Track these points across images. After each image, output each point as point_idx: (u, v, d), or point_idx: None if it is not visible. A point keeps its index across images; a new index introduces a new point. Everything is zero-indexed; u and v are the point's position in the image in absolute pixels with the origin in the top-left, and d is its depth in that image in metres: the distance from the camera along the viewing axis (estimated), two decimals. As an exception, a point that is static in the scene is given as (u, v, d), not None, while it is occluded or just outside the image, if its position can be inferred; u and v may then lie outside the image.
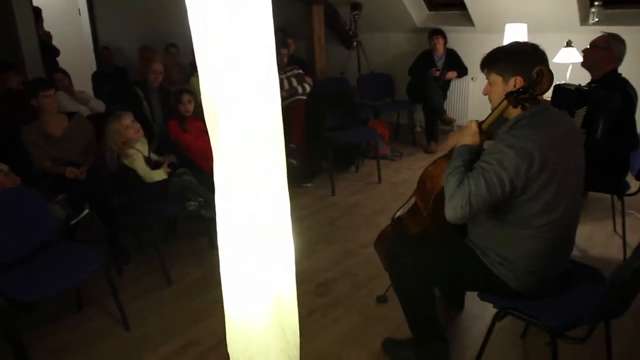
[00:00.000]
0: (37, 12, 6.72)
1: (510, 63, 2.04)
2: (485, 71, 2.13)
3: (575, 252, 2.24)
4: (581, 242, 3.62)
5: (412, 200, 2.49)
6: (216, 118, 1.33)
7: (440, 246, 2.29)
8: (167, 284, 3.46)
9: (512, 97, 1.95)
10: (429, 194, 2.25)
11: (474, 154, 2.05)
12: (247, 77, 1.31)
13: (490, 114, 2.10)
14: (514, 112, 2.03)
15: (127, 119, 3.62)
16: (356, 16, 6.69)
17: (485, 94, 2.16)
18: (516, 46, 2.10)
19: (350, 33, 6.91)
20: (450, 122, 6.26)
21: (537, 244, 2.02)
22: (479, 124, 2.13)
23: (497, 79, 2.08)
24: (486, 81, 2.15)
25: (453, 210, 1.93)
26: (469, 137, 2.13)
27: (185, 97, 4.04)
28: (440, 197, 2.15)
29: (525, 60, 2.00)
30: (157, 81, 4.80)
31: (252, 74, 1.30)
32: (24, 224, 2.97)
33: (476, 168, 1.95)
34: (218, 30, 1.23)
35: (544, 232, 1.99)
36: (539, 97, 1.98)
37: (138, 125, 3.68)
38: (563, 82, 3.93)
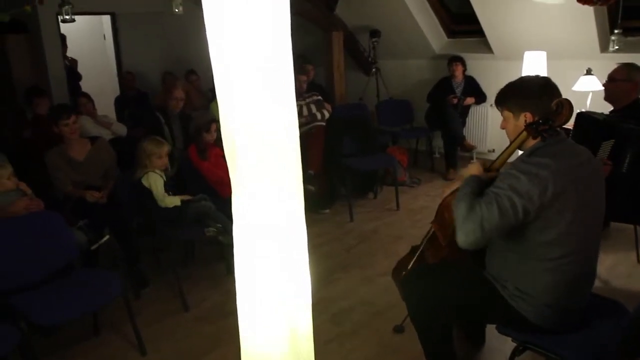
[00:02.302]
0: (62, 38, 6.91)
1: (518, 100, 2.07)
2: (499, 107, 2.17)
3: (597, 283, 2.21)
4: (603, 273, 3.56)
5: (431, 230, 2.48)
6: (234, 147, 1.35)
7: (459, 277, 2.27)
8: (184, 309, 3.47)
9: (532, 129, 1.95)
10: (447, 225, 2.24)
11: (482, 184, 2.06)
12: (266, 105, 1.34)
13: (507, 147, 2.11)
14: (531, 144, 2.03)
15: (164, 149, 3.71)
16: (375, 43, 6.75)
17: (503, 129, 2.17)
18: (524, 82, 2.12)
19: (369, 59, 6.97)
20: (470, 148, 6.24)
21: (556, 277, 1.99)
22: (485, 165, 2.14)
23: (508, 115, 2.12)
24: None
25: (464, 235, 1.92)
26: (475, 170, 2.16)
27: (213, 127, 4.10)
28: (458, 228, 2.14)
29: (535, 96, 2.02)
30: (178, 107, 4.88)
31: (271, 102, 1.32)
32: (46, 248, 3.01)
33: (488, 193, 1.94)
34: (237, 59, 1.26)
35: (562, 264, 1.97)
36: (559, 129, 1.98)
37: (167, 160, 3.74)
38: (585, 110, 3.91)
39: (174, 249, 4.05)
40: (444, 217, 2.27)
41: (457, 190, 2.28)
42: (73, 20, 4.50)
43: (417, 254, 2.51)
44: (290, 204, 1.39)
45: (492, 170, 2.16)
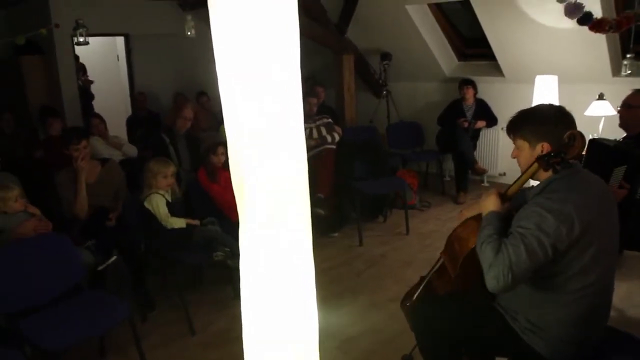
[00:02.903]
0: (82, 66, 7.06)
1: (536, 129, 2.01)
2: (512, 136, 2.10)
3: (611, 313, 2.15)
4: (617, 302, 3.48)
5: (440, 260, 2.44)
6: (242, 176, 1.34)
7: (468, 308, 2.22)
8: (190, 334, 3.45)
9: (544, 161, 1.91)
10: (457, 256, 2.20)
11: (503, 220, 2.00)
12: (274, 130, 1.33)
13: (519, 178, 2.07)
14: (544, 175, 1.99)
15: (170, 170, 3.72)
16: (386, 65, 6.77)
17: (514, 158, 2.13)
18: (542, 111, 2.07)
19: (380, 82, 6.98)
20: (481, 172, 6.19)
21: (571, 310, 1.93)
22: (501, 194, 2.10)
23: (523, 144, 2.05)
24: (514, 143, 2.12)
25: (495, 280, 1.83)
26: (493, 205, 2.07)
27: (220, 150, 4.10)
28: (469, 259, 2.09)
29: (552, 125, 1.98)
30: (185, 126, 4.88)
31: (279, 128, 1.32)
32: (54, 270, 3.01)
33: (513, 234, 1.87)
34: (246, 84, 1.26)
35: (579, 297, 1.91)
36: (571, 161, 1.94)
37: (173, 181, 3.74)
38: (597, 136, 3.87)
39: (181, 270, 4.03)
40: (454, 249, 2.23)
41: (468, 220, 2.24)
42: (87, 43, 4.56)
43: (426, 284, 2.46)
44: (298, 235, 1.38)
45: (507, 200, 2.10)
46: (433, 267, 2.46)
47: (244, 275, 1.28)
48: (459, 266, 2.18)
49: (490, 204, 2.08)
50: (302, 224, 1.38)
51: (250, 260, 1.32)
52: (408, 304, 2.48)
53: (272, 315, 1.28)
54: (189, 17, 5.41)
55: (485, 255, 1.88)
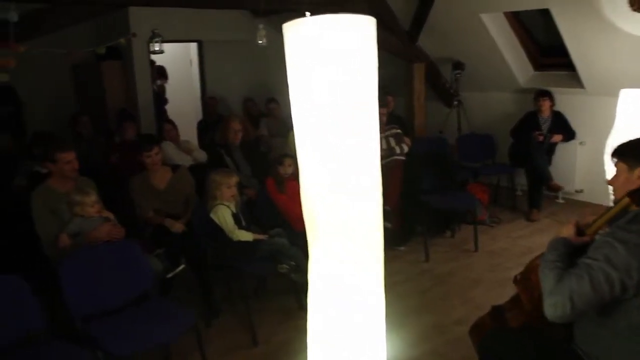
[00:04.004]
0: (162, 70, 7.30)
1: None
2: (615, 159, 2.02)
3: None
4: None
5: (514, 290, 2.32)
6: (312, 196, 1.32)
7: (543, 347, 2.09)
8: (253, 344, 3.46)
9: (636, 196, 1.77)
10: (534, 288, 2.08)
11: (569, 248, 1.90)
12: (347, 156, 1.30)
13: (606, 212, 1.94)
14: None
15: (233, 180, 3.74)
16: (458, 75, 6.59)
17: (609, 185, 2.01)
18: None
19: (451, 91, 6.81)
20: (557, 189, 5.91)
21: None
22: (580, 227, 1.98)
23: (622, 166, 1.97)
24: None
25: (552, 307, 1.77)
26: (566, 233, 2.00)
27: (287, 161, 4.11)
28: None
29: None
30: (237, 138, 4.98)
31: (352, 154, 1.29)
32: (124, 276, 3.10)
33: (579, 263, 1.77)
34: (317, 103, 1.24)
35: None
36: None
37: (236, 191, 3.77)
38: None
39: (246, 278, 4.06)
40: (530, 280, 2.12)
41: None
42: (162, 52, 4.69)
43: (498, 314, 2.35)
44: (369, 262, 1.36)
45: (586, 235, 1.98)
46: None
47: (312, 293, 1.28)
48: (535, 299, 2.06)
49: (564, 231, 2.02)
50: (374, 254, 1.36)
51: (320, 276, 1.31)
52: (480, 335, 2.37)
53: (338, 333, 1.27)
54: (261, 26, 5.46)
55: (547, 280, 1.82)
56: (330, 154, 1.37)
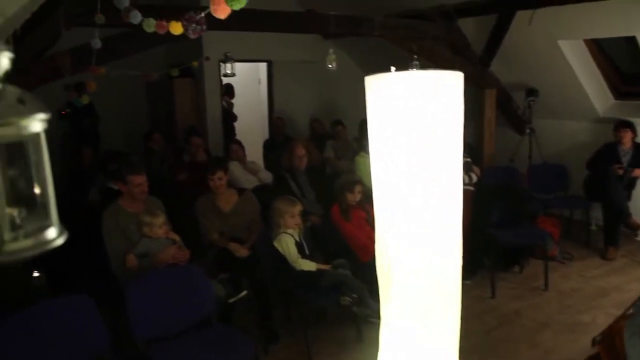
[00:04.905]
0: (229, 87, 7.46)
1: None
2: None
3: None
4: None
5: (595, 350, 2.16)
6: (390, 256, 1.29)
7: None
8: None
9: None
10: (617, 351, 1.93)
11: None
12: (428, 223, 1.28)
13: None
14: None
15: (297, 208, 3.73)
16: (531, 102, 6.36)
17: None
18: None
19: (523, 118, 6.58)
20: (636, 227, 5.55)
21: None
22: None
23: None
24: None
25: None
26: None
27: (357, 188, 4.05)
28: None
29: None
30: (302, 164, 4.99)
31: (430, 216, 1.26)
32: (186, 301, 3.12)
33: None
34: (401, 158, 1.20)
35: None
36: None
37: (300, 219, 3.75)
38: None
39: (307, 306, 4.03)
40: (614, 343, 1.96)
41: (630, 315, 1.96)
42: (234, 75, 4.76)
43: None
44: (445, 330, 1.33)
45: None
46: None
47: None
48: (619, 364, 1.91)
49: None
50: (451, 325, 1.32)
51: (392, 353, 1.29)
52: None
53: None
54: (331, 51, 5.48)
55: (635, 348, 1.64)
56: (411, 214, 1.34)
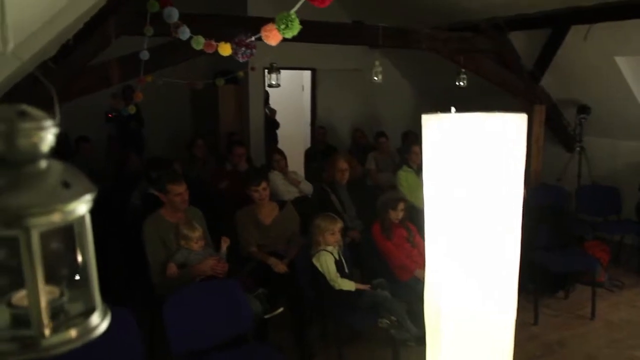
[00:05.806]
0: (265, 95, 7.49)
1: None
2: None
3: None
4: None
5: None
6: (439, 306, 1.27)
7: None
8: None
9: None
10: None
11: None
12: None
13: None
14: None
15: (338, 226, 3.67)
16: (583, 119, 6.13)
17: None
18: None
19: (574, 136, 6.35)
20: (691, 255, 5.29)
21: None
22: None
23: None
24: None
25: None
26: None
27: (401, 206, 3.96)
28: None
29: None
30: (344, 178, 4.90)
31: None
32: (224, 316, 3.10)
33: None
34: (458, 199, 1.15)
35: None
36: None
37: (340, 237, 3.69)
38: None
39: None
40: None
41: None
42: (278, 85, 4.74)
43: None
44: None
45: None
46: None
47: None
48: None
49: None
50: None
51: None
52: None
53: None
54: (377, 62, 5.39)
55: None
56: (467, 258, 1.31)
